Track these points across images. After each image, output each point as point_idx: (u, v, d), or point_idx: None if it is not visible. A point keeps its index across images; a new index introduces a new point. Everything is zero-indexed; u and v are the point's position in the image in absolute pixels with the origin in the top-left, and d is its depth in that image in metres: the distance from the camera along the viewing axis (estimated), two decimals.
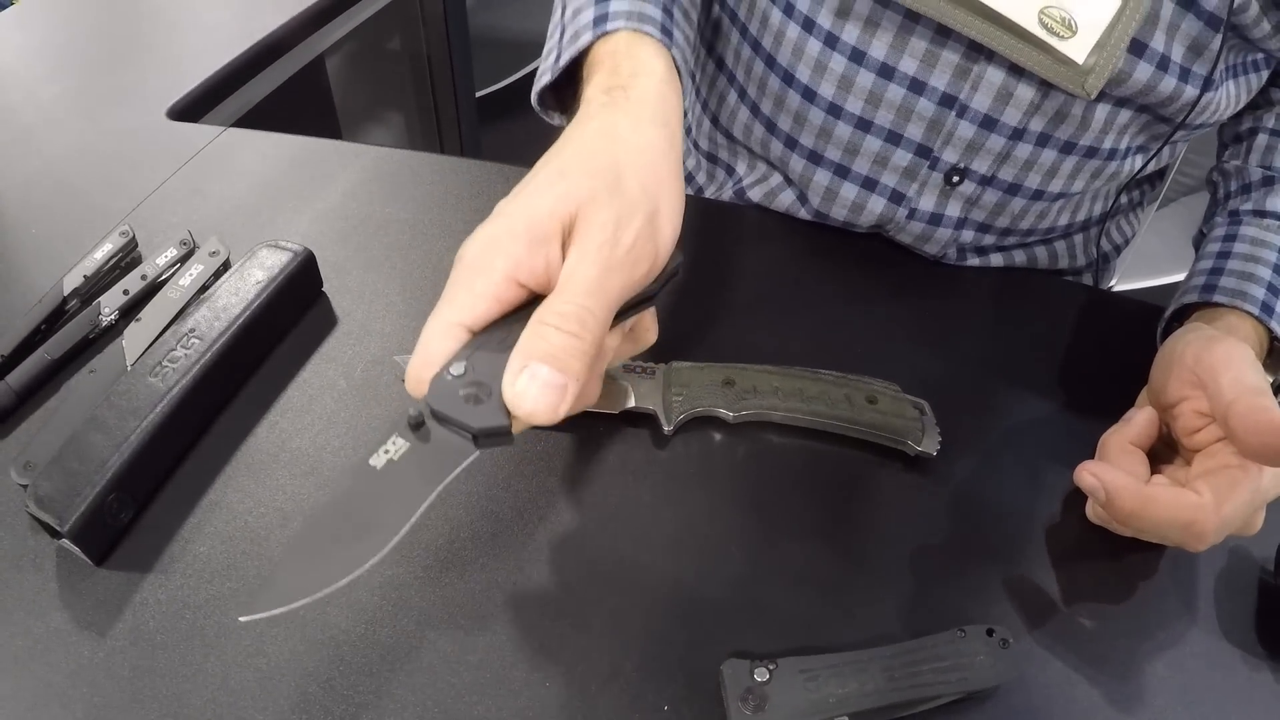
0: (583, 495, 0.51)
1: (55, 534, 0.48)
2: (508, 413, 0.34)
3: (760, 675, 0.40)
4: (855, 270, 0.63)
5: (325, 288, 0.60)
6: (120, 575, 0.48)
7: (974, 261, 0.68)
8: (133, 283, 0.59)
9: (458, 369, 0.34)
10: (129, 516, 0.49)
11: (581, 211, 0.36)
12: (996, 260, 0.68)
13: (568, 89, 0.52)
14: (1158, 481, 0.46)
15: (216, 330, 0.54)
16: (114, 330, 0.58)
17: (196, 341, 0.54)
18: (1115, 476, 0.44)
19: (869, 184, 0.62)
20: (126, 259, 0.62)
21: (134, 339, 0.55)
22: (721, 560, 0.48)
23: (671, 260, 0.39)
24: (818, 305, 0.60)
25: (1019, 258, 0.69)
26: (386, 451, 0.35)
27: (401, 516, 0.34)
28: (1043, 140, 0.57)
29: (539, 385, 0.33)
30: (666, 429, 0.52)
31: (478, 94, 1.65)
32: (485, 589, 0.47)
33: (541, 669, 0.44)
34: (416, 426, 0.35)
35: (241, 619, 0.34)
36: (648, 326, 0.44)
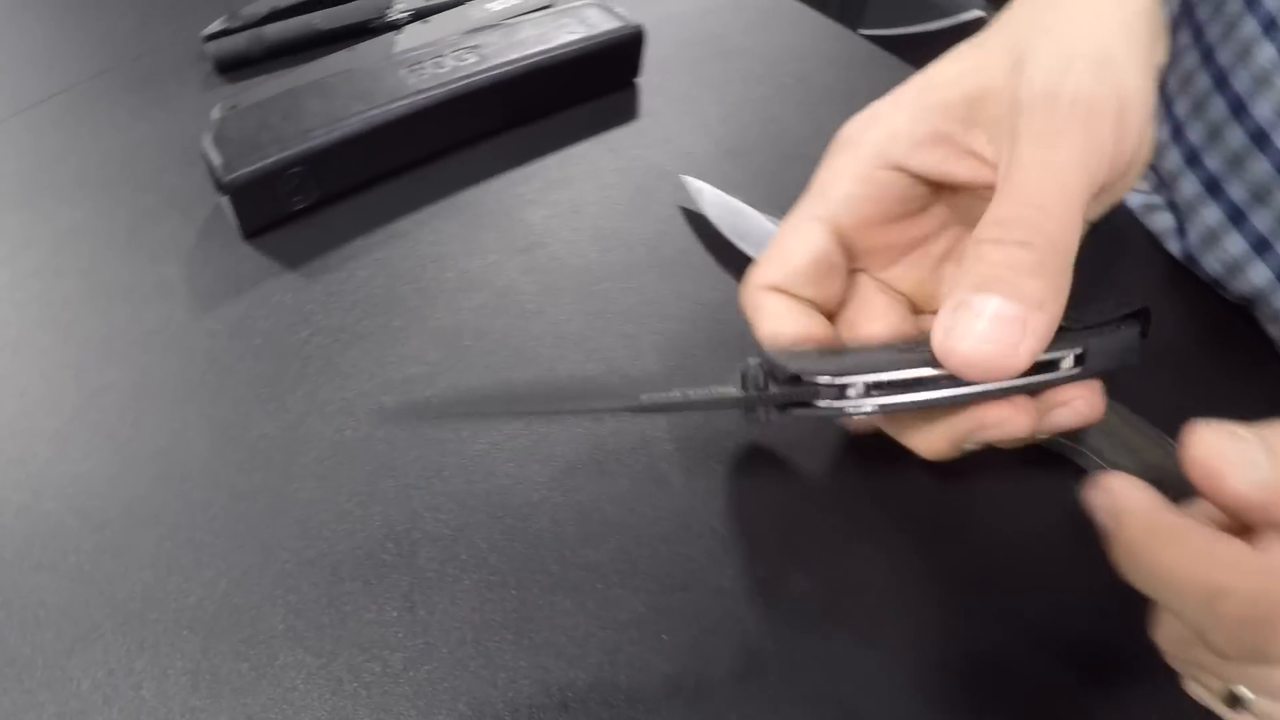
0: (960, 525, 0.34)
1: (218, 186, 0.38)
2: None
3: None
4: (1215, 341, 0.42)
5: (640, 79, 0.47)
6: (260, 260, 0.37)
7: None
8: None
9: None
10: (303, 204, 0.39)
11: (998, 81, 0.26)
12: None
13: None
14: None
15: (501, 59, 0.43)
16: (396, 29, 0.48)
17: (473, 59, 0.42)
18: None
19: (1261, 245, 0.43)
20: None
21: (410, 36, 0.45)
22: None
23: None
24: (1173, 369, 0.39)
25: None
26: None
27: None
28: None
29: (986, 321, 0.23)
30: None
31: None
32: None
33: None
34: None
35: None
36: (1075, 397, 0.27)
